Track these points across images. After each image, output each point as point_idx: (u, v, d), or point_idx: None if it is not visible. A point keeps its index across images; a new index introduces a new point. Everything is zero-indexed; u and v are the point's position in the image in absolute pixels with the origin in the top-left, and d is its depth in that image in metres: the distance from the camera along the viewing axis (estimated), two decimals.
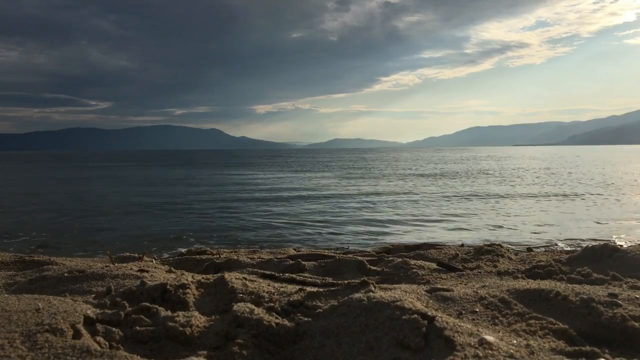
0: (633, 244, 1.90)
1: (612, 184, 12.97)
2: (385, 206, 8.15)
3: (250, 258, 1.96)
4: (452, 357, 0.76)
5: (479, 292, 1.14)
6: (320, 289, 1.20)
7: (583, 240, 5.15)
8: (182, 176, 20.21)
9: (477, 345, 0.79)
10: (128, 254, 2.32)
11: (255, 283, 1.23)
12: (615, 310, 0.98)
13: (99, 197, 10.94)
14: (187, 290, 1.12)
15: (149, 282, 1.15)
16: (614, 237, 5.37)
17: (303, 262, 1.75)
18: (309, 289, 1.21)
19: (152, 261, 2.02)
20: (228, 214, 7.87)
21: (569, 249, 2.24)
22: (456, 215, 7.34)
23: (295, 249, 2.71)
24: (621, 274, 1.39)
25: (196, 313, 0.99)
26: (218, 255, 2.14)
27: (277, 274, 1.44)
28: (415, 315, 0.89)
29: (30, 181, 17.53)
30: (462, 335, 0.83)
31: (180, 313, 0.97)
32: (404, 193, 10.95)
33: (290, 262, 1.78)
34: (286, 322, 0.94)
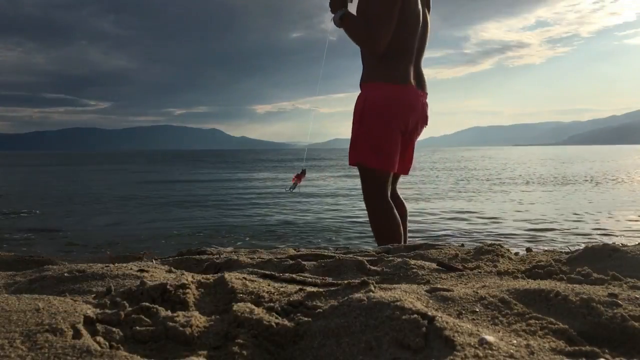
0: (633, 244, 1.90)
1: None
2: None
3: (250, 258, 1.96)
4: (452, 357, 0.76)
5: (479, 292, 1.14)
6: (320, 289, 1.20)
7: (585, 238, 5.16)
8: (184, 175, 20.22)
9: (477, 345, 0.79)
10: (128, 254, 2.32)
11: (255, 283, 1.23)
12: (615, 310, 0.98)
13: (98, 197, 10.95)
14: (187, 290, 1.12)
15: (149, 282, 1.15)
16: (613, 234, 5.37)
17: (303, 262, 1.74)
18: (309, 289, 1.21)
19: (152, 261, 2.02)
20: (229, 213, 7.88)
21: (569, 249, 2.24)
22: (457, 215, 7.35)
23: (295, 249, 2.71)
24: (621, 274, 1.39)
25: (196, 313, 0.99)
26: (218, 255, 2.13)
27: (277, 274, 1.44)
28: (415, 315, 0.89)
29: (36, 181, 17.54)
30: (462, 335, 0.83)
31: (180, 313, 0.97)
32: (407, 190, 10.96)
33: (290, 262, 1.78)
34: (286, 322, 0.94)
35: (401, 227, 2.55)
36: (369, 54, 2.44)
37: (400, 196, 2.77)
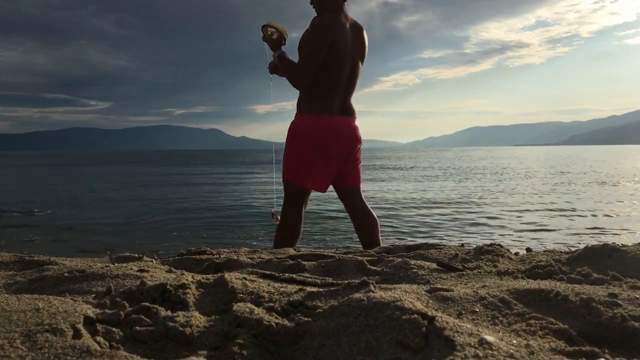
0: (633, 244, 1.90)
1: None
2: (385, 206, 8.16)
3: (250, 258, 1.96)
4: (452, 357, 0.76)
5: (479, 292, 1.14)
6: (320, 289, 1.20)
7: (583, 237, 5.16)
8: (184, 175, 20.22)
9: (477, 345, 0.79)
10: (128, 254, 2.32)
11: (255, 283, 1.23)
12: (615, 310, 0.98)
13: (102, 197, 10.95)
14: (187, 290, 1.12)
15: (149, 282, 1.15)
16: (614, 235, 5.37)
17: (303, 262, 1.75)
18: (309, 289, 1.21)
19: (152, 261, 2.02)
20: (229, 213, 7.88)
21: (569, 249, 2.24)
22: (458, 215, 7.35)
23: (295, 249, 2.71)
24: (621, 274, 1.39)
25: (196, 313, 0.99)
26: (218, 255, 2.13)
27: (277, 274, 1.44)
28: (415, 315, 0.89)
29: (42, 182, 17.55)
30: (462, 335, 0.83)
31: (180, 313, 0.97)
32: (407, 193, 10.97)
33: (290, 262, 1.78)
34: (286, 322, 0.94)
35: (296, 238, 2.93)
36: (294, 87, 2.85)
37: (368, 206, 3.04)
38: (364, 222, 2.97)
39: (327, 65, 2.76)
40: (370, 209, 3.02)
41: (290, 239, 2.92)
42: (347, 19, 2.84)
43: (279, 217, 3.08)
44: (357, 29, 2.88)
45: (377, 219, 3.00)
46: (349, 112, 2.88)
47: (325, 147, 2.79)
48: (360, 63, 2.90)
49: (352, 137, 2.89)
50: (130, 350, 0.83)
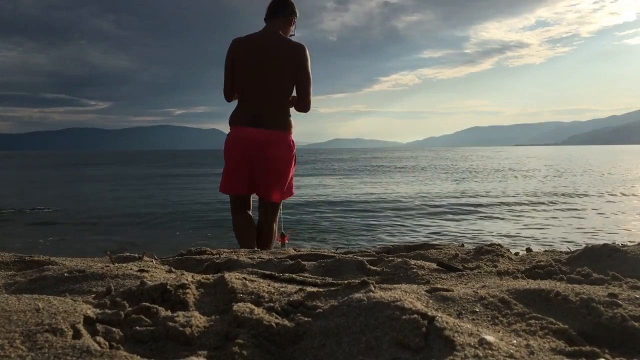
0: (633, 244, 1.90)
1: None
2: (386, 205, 8.15)
3: (250, 258, 1.96)
4: (452, 357, 0.76)
5: (479, 292, 1.14)
6: (320, 289, 1.20)
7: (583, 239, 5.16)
8: (183, 175, 20.21)
9: (477, 345, 0.79)
10: (128, 254, 2.32)
11: (255, 283, 1.23)
12: (615, 310, 0.98)
13: (98, 197, 10.95)
14: (187, 290, 1.12)
15: (149, 282, 1.15)
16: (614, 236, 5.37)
17: (303, 262, 1.75)
18: (309, 289, 1.21)
19: (152, 261, 2.02)
20: (229, 214, 7.88)
21: (569, 249, 2.24)
22: (457, 215, 7.36)
23: (295, 249, 2.71)
24: (621, 274, 1.39)
25: (196, 313, 0.99)
26: (218, 255, 2.13)
27: (277, 274, 1.44)
28: (415, 315, 0.89)
29: (46, 181, 17.56)
30: (462, 335, 0.83)
31: (180, 313, 0.97)
32: (408, 195, 10.97)
33: (290, 262, 1.78)
34: (286, 322, 0.94)
35: (245, 233, 3.10)
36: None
37: (267, 222, 3.14)
38: (259, 230, 3.16)
39: (237, 81, 3.00)
40: (268, 225, 3.15)
41: (241, 239, 3.09)
42: (267, 33, 3.00)
43: (280, 237, 3.24)
44: (274, 41, 2.97)
45: (268, 235, 3.13)
46: (259, 124, 2.94)
47: (231, 155, 3.01)
48: (273, 74, 2.94)
49: (256, 149, 2.95)
50: (130, 350, 0.83)
